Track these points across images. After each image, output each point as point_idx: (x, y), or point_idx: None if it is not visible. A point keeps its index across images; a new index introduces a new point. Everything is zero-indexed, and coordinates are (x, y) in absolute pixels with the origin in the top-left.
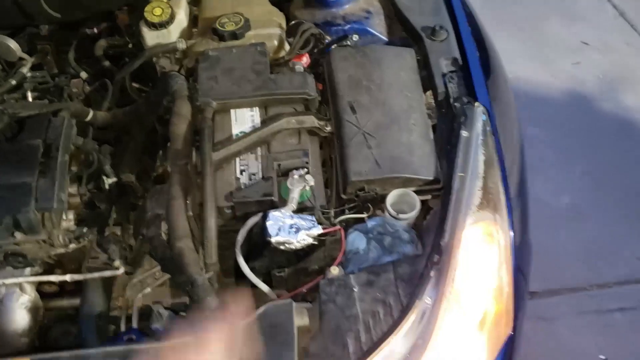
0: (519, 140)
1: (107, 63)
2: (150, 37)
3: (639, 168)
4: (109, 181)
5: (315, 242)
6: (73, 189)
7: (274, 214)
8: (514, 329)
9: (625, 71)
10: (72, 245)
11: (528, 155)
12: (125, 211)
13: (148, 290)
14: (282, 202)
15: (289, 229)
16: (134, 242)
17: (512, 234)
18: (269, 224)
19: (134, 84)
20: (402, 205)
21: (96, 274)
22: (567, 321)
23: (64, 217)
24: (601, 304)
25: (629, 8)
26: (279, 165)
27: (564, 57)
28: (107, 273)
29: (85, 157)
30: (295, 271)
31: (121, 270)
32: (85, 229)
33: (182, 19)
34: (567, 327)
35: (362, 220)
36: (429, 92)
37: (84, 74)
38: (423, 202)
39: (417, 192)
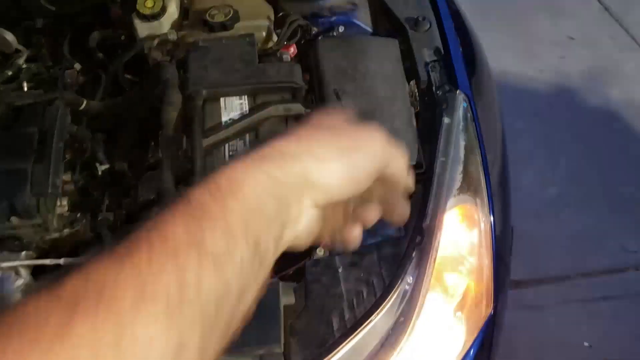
0: (501, 131)
1: (100, 55)
2: (142, 29)
3: (623, 159)
4: (102, 168)
5: None
6: (67, 177)
7: None
8: (495, 309)
9: (610, 65)
10: (67, 230)
11: (515, 148)
12: (117, 198)
13: None
14: None
15: None
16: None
17: (492, 218)
18: None
19: (126, 75)
20: None
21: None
22: (553, 310)
23: (59, 203)
24: (586, 293)
25: (613, 3)
26: None
27: (550, 52)
28: None
29: (79, 145)
30: (282, 255)
31: None
32: (78, 215)
33: (173, 11)
34: (553, 315)
35: None
36: (413, 82)
37: (77, 66)
38: None
39: None
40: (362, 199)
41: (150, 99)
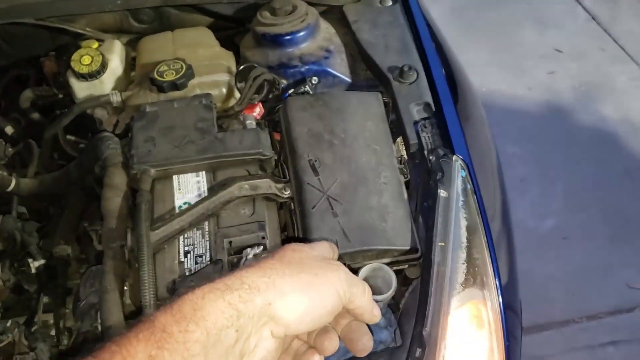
0: (498, 168)
1: (36, 115)
2: (80, 89)
3: (620, 184)
4: (35, 264)
5: None
6: None
7: None
8: None
9: (601, 79)
10: None
11: (508, 176)
12: (58, 295)
13: None
14: None
15: None
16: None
17: (502, 312)
18: None
19: (70, 137)
20: (376, 280)
21: None
22: (559, 358)
23: None
24: (593, 338)
25: (600, 11)
26: (230, 242)
27: (538, 67)
28: None
29: (8, 237)
30: None
31: None
32: (9, 322)
33: (116, 66)
34: None
35: None
36: (399, 139)
37: (9, 129)
38: (399, 271)
39: (392, 263)
40: (324, 328)
41: (91, 174)
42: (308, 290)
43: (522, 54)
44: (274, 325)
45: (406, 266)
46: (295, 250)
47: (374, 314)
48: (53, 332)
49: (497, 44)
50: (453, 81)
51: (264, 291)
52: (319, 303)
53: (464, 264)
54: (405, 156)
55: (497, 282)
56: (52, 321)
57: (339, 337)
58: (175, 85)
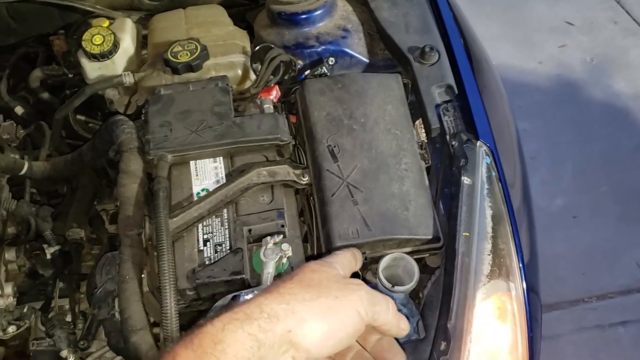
0: (517, 143)
1: (46, 95)
2: (92, 69)
3: (631, 161)
4: (50, 250)
5: None
6: (10, 254)
7: (245, 299)
8: None
9: (613, 53)
10: (12, 329)
11: None
12: (73, 280)
13: None
14: (254, 276)
15: None
16: (88, 309)
17: (527, 304)
18: None
19: (80, 117)
20: (396, 269)
21: None
22: (569, 338)
23: (1, 292)
24: (603, 318)
25: None
26: (250, 230)
27: (549, 40)
28: None
29: (21, 221)
30: None
31: (71, 359)
32: (26, 308)
33: (127, 46)
34: (570, 344)
35: None
36: (418, 122)
37: (19, 109)
38: (418, 259)
39: (413, 252)
40: (352, 347)
41: (105, 157)
42: (328, 314)
43: (533, 26)
44: (295, 352)
45: (427, 255)
46: (314, 271)
47: (401, 328)
48: (69, 318)
49: (507, 17)
50: (469, 54)
51: (284, 319)
52: (340, 327)
53: (489, 254)
54: (425, 140)
55: (522, 272)
56: (67, 306)
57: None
58: (190, 67)
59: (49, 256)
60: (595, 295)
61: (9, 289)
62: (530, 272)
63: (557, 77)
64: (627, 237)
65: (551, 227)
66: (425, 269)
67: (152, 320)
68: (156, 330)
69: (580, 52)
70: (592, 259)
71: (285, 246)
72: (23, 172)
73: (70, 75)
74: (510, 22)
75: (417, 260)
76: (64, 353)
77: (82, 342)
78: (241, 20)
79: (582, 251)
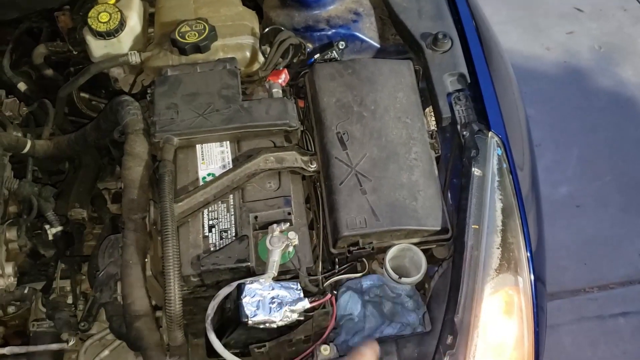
0: (528, 137)
1: (49, 71)
2: (97, 47)
3: (637, 151)
4: (52, 231)
5: (301, 318)
6: (12, 234)
7: (250, 287)
8: None
9: (622, 41)
10: (11, 309)
11: None
12: (74, 262)
13: (106, 353)
14: (260, 264)
15: (269, 304)
16: (89, 289)
17: (534, 301)
18: (245, 300)
19: (84, 94)
20: (403, 260)
21: (41, 347)
22: (568, 328)
23: (1, 272)
24: (603, 308)
25: None
26: (256, 217)
27: (557, 26)
28: (54, 346)
29: (23, 200)
30: (278, 344)
31: (71, 342)
32: (27, 289)
33: (134, 24)
34: (569, 334)
35: None
36: (428, 110)
37: (22, 85)
38: (425, 250)
39: (421, 243)
40: None
41: (109, 137)
42: None
43: (541, 12)
44: None
45: (434, 246)
46: None
47: None
48: (70, 300)
49: (515, 2)
50: (481, 41)
51: None
52: None
53: (498, 248)
54: (435, 129)
55: (531, 265)
56: (69, 288)
57: None
58: (197, 48)
59: (50, 237)
60: (597, 286)
61: (9, 268)
62: (537, 262)
63: (564, 64)
64: (630, 227)
65: (554, 215)
66: (431, 259)
67: (154, 303)
68: (158, 313)
69: (588, 39)
70: (594, 248)
71: (291, 234)
72: (25, 150)
73: (74, 52)
74: (519, 6)
75: (424, 252)
76: (64, 336)
77: (82, 324)
78: (250, 0)
79: (584, 241)
